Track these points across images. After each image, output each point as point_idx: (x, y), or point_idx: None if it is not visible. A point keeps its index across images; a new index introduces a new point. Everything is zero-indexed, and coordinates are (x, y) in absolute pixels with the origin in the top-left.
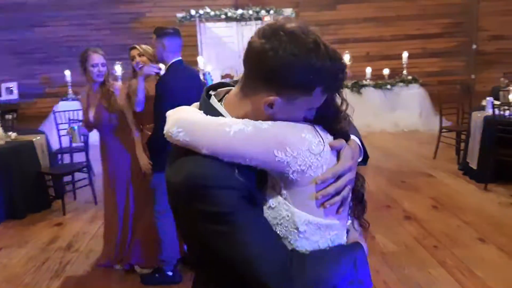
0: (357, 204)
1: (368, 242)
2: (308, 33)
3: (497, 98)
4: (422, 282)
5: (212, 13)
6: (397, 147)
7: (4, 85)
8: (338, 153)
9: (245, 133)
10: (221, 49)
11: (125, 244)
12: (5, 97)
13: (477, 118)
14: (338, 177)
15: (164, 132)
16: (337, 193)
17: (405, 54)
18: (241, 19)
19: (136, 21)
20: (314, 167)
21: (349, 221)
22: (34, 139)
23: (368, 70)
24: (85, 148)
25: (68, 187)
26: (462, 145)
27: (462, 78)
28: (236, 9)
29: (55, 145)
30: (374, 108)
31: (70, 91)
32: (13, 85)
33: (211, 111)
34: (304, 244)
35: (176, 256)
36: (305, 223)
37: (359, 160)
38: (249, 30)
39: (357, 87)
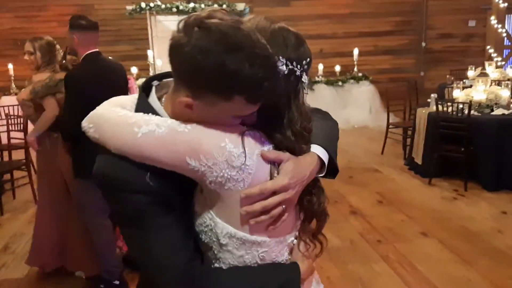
0: (310, 221)
1: None
2: (235, 31)
3: (443, 95)
4: (364, 277)
5: (163, 6)
6: (347, 143)
7: None
8: (278, 165)
9: (155, 135)
10: None
11: (58, 250)
12: None
13: (421, 114)
14: (274, 193)
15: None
16: (269, 211)
17: (355, 51)
18: (193, 12)
19: (84, 14)
20: (234, 180)
21: (292, 239)
22: None
23: (320, 66)
24: (25, 145)
25: (6, 186)
26: (409, 141)
27: (411, 75)
28: (188, 2)
29: None
30: (326, 105)
31: (13, 85)
32: None
33: (143, 106)
34: (228, 257)
35: (117, 263)
36: (227, 236)
37: (320, 175)
38: None
39: (310, 83)
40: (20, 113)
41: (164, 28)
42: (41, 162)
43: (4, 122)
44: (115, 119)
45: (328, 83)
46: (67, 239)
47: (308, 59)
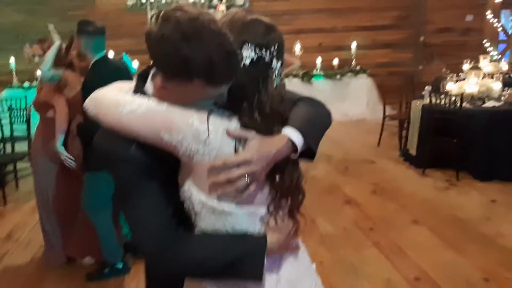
0: (285, 197)
1: (307, 226)
2: (192, 21)
3: (438, 88)
4: (356, 262)
5: (163, 1)
6: (344, 136)
7: None
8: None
9: (136, 114)
10: None
11: (62, 238)
12: None
13: (416, 107)
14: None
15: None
16: (232, 182)
17: (353, 45)
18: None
19: (85, 9)
20: (200, 154)
21: (263, 213)
22: None
23: (319, 60)
24: (28, 137)
25: (10, 177)
26: (404, 133)
27: (410, 69)
28: None
29: None
30: (324, 98)
31: (15, 79)
32: None
33: (138, 90)
34: (202, 224)
35: (119, 247)
36: (200, 204)
37: (294, 157)
38: None
39: (308, 77)
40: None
41: None
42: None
43: (7, 115)
44: (108, 100)
45: (326, 76)
46: (71, 228)
47: (277, 45)
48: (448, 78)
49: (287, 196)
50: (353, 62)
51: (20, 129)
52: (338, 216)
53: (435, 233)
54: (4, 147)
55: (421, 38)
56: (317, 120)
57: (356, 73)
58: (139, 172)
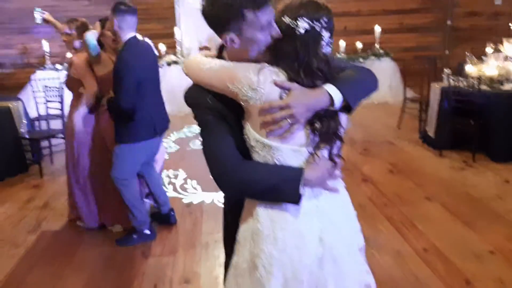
0: (324, 141)
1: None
2: None
3: (461, 72)
4: (368, 234)
5: None
6: (366, 118)
7: None
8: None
9: (213, 69)
10: (200, 20)
11: (96, 206)
12: None
13: (435, 89)
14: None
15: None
16: (276, 122)
17: (377, 29)
18: None
19: None
20: (253, 99)
21: (306, 152)
22: (10, 106)
23: (342, 43)
24: (62, 115)
25: (45, 152)
26: (424, 115)
27: (436, 53)
28: None
29: (32, 113)
30: None
31: (48, 61)
32: None
33: (218, 55)
34: (256, 156)
35: (147, 215)
36: (254, 140)
37: (330, 107)
38: None
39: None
40: (57, 86)
41: (191, 5)
42: (81, 128)
43: (43, 94)
44: (195, 61)
45: (349, 59)
46: (103, 197)
47: (326, 19)
48: (469, 61)
49: (325, 140)
50: (377, 45)
51: (54, 107)
52: (354, 193)
53: (446, 209)
54: (39, 124)
55: (448, 22)
56: (359, 82)
57: (379, 56)
58: (213, 115)
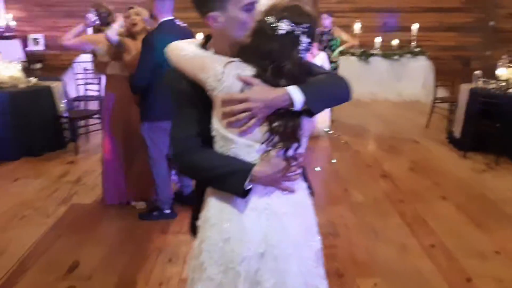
0: (280, 141)
1: (340, 193)
2: None
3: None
4: (378, 227)
5: None
6: (395, 115)
7: (31, 36)
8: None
9: (187, 56)
10: None
11: (122, 183)
12: (31, 47)
13: (464, 90)
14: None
15: None
16: (234, 114)
17: (414, 26)
18: None
19: None
20: (216, 90)
21: (259, 148)
22: (52, 85)
23: (378, 39)
24: (99, 97)
25: (82, 131)
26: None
27: (476, 54)
28: None
29: (73, 94)
30: (380, 78)
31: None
32: (40, 37)
33: (203, 45)
34: (216, 147)
35: (170, 196)
36: (214, 129)
37: (290, 108)
38: None
39: (366, 56)
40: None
41: None
42: (117, 107)
43: (82, 76)
44: (176, 46)
45: (384, 56)
46: (131, 174)
47: (307, 25)
48: (501, 63)
49: (282, 140)
50: (413, 43)
51: (92, 89)
52: (371, 188)
53: (460, 208)
54: (78, 105)
55: (491, 23)
56: (325, 88)
57: (415, 54)
58: (183, 99)
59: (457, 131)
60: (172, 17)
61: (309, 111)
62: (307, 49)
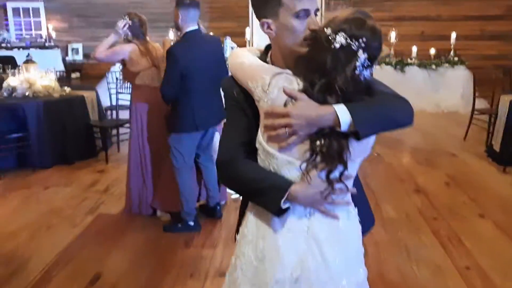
0: (322, 161)
1: (372, 208)
2: None
3: None
4: (410, 245)
5: None
6: (432, 126)
7: (70, 46)
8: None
9: (243, 64)
10: None
11: (146, 193)
12: (71, 57)
13: (504, 101)
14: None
15: None
16: (275, 128)
17: (453, 35)
18: None
19: None
20: (262, 101)
21: (299, 165)
22: (85, 95)
23: (414, 49)
24: (130, 106)
25: (113, 140)
26: (492, 128)
27: None
28: None
29: (106, 103)
30: (417, 88)
31: None
32: (79, 46)
33: (263, 55)
34: (259, 159)
35: (194, 207)
36: (258, 142)
37: (336, 128)
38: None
39: (401, 65)
40: None
41: None
42: (145, 118)
43: (114, 85)
44: (236, 54)
45: (421, 65)
46: (158, 184)
47: (366, 40)
48: None
49: (324, 161)
50: (452, 52)
51: (123, 99)
52: (403, 203)
53: (498, 227)
54: (111, 114)
55: None
56: (380, 111)
57: (453, 64)
58: (235, 107)
59: (496, 144)
60: (197, 27)
61: (357, 133)
62: (365, 66)
